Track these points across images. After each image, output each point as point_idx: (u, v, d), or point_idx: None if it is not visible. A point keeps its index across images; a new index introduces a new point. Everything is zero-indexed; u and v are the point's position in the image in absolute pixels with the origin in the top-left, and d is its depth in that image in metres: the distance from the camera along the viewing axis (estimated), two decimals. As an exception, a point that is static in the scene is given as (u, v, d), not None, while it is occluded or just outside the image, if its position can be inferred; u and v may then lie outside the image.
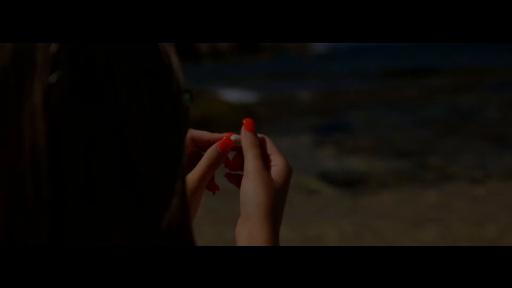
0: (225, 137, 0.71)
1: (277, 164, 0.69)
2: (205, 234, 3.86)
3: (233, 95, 12.20)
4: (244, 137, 0.70)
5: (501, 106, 9.74)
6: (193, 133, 0.72)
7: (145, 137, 0.41)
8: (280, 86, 15.40)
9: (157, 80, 0.43)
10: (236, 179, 0.73)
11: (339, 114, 10.12)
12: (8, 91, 0.37)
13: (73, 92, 0.38)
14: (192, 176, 0.69)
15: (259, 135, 0.71)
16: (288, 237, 3.67)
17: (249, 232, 0.65)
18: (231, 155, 0.73)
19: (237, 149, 0.71)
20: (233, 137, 0.71)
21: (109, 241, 0.39)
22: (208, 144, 0.71)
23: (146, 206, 0.41)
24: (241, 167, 0.71)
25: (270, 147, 0.71)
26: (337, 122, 9.26)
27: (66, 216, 0.38)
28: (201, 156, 0.72)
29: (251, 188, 0.66)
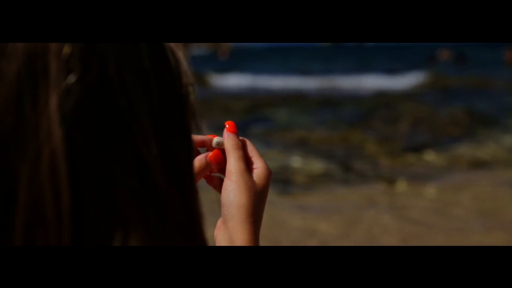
0: (209, 138, 0.71)
1: (258, 167, 0.70)
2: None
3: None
4: (227, 139, 0.69)
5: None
6: None
7: (156, 138, 0.40)
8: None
9: (165, 79, 0.42)
10: (215, 181, 0.73)
11: (257, 113, 10.25)
12: (24, 99, 0.36)
13: (87, 97, 0.37)
14: None
15: (240, 138, 0.71)
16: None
17: (230, 234, 0.65)
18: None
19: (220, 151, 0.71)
20: (216, 139, 0.70)
21: (126, 244, 0.39)
22: None
23: (162, 207, 0.41)
24: (221, 169, 0.70)
25: (251, 150, 0.71)
26: (256, 120, 9.38)
27: (86, 222, 0.37)
28: None
29: (233, 190, 0.66)
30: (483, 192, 4.87)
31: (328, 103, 11.56)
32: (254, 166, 0.70)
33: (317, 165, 6.05)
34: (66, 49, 0.36)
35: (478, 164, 6.04)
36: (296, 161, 6.14)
